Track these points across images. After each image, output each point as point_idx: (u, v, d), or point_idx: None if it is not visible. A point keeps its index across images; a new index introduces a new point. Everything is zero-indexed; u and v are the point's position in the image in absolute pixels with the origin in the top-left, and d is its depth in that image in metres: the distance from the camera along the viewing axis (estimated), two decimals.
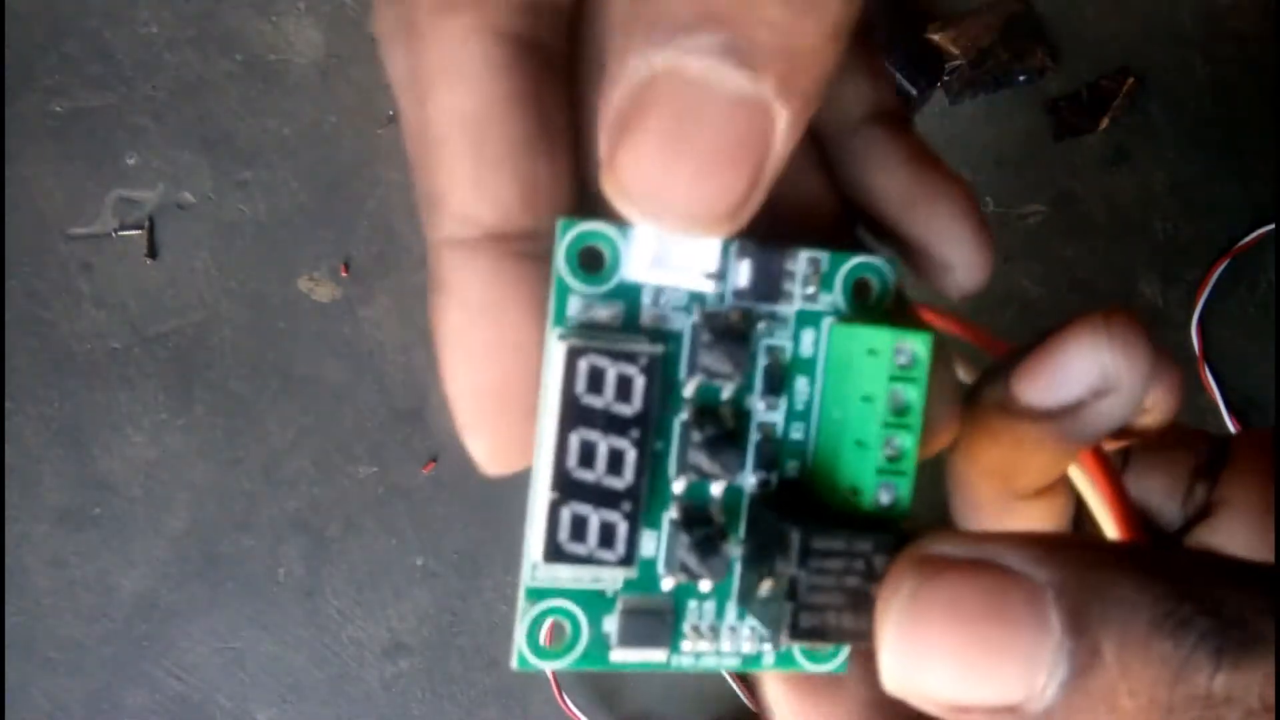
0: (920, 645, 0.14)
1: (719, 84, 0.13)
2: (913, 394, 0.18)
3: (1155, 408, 0.19)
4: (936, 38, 0.68)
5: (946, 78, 0.68)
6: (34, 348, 0.65)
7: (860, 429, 0.18)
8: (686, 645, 0.20)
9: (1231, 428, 0.67)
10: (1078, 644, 0.13)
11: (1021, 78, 0.68)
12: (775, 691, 0.20)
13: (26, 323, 0.65)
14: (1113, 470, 0.20)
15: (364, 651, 0.65)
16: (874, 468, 0.18)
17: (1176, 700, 0.12)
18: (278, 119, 0.68)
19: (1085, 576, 0.13)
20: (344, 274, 0.67)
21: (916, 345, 0.18)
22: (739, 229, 0.15)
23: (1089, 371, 0.18)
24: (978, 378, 0.20)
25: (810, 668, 0.20)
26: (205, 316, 0.67)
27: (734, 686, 0.65)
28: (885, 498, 0.18)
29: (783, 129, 0.13)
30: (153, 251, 0.67)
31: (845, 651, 0.20)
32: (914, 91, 0.65)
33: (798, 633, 0.17)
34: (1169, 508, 0.22)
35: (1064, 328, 0.18)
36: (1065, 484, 0.21)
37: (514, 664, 0.19)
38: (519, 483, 0.67)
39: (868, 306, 0.19)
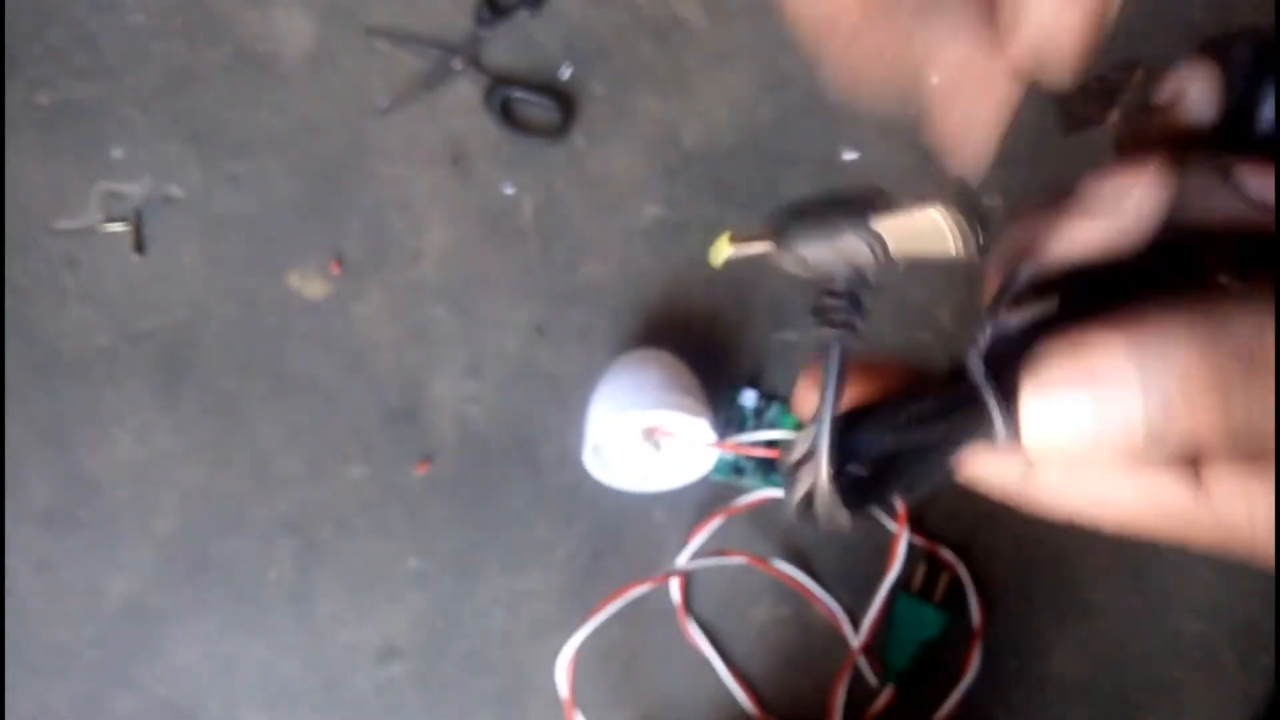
0: (1050, 413, 0.19)
1: None
2: None
3: None
4: None
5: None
6: (18, 345, 0.64)
7: None
8: None
9: None
10: (1150, 386, 0.18)
11: None
12: None
13: (10, 319, 0.64)
14: None
15: (356, 656, 0.64)
16: None
17: (1220, 357, 0.18)
18: (268, 110, 0.67)
19: (1147, 344, 0.19)
20: (335, 270, 0.66)
21: None
22: None
23: None
24: None
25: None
26: (193, 313, 0.65)
27: (734, 692, 0.64)
28: None
29: None
30: (139, 246, 0.65)
31: None
32: None
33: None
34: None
35: None
36: None
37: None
38: (515, 484, 0.65)
39: None
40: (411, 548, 0.64)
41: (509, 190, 0.67)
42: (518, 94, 0.67)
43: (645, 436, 0.63)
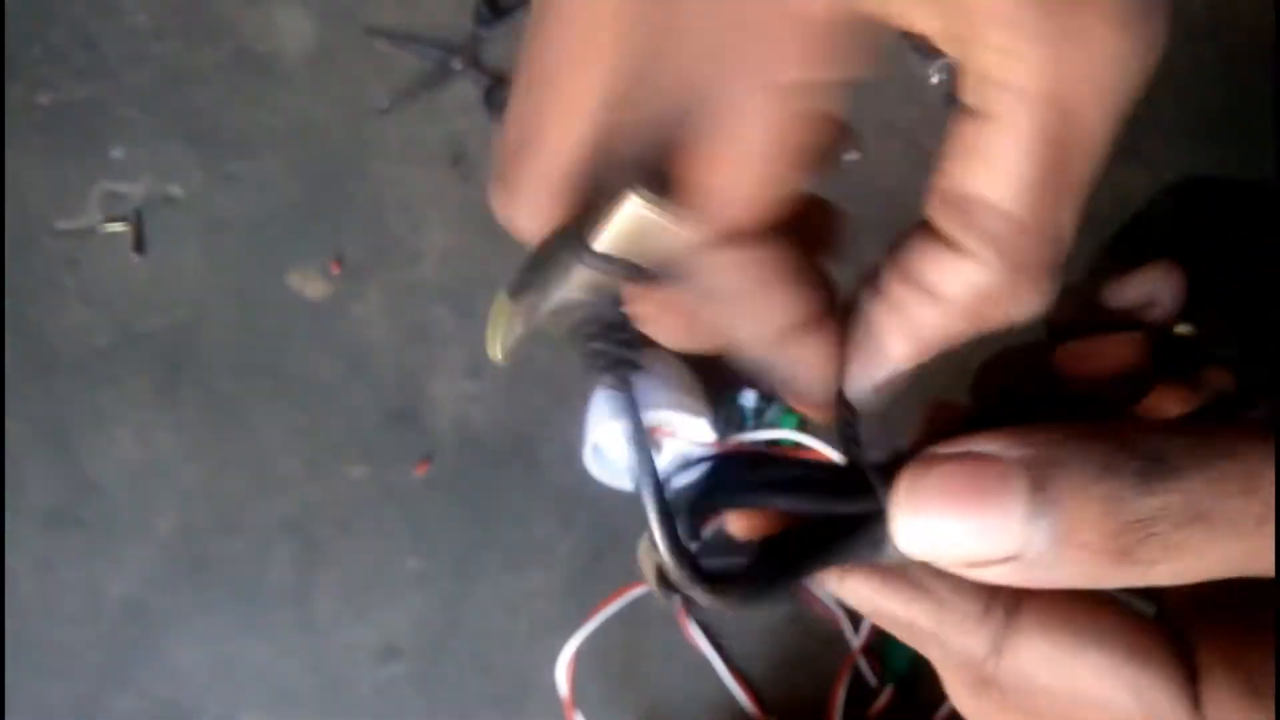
0: (921, 518, 0.18)
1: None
2: None
3: None
4: None
5: (943, 75, 0.67)
6: (18, 345, 0.64)
7: None
8: None
9: None
10: (1040, 500, 0.17)
11: None
12: None
13: (11, 320, 0.64)
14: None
15: (356, 656, 0.64)
16: None
17: (1121, 526, 0.16)
18: (268, 110, 0.67)
19: (1043, 450, 0.17)
20: (335, 270, 0.66)
21: None
22: None
23: None
24: None
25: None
26: (194, 314, 0.65)
27: (734, 692, 0.64)
28: None
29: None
30: (140, 246, 0.65)
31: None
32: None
33: None
34: None
35: None
36: None
37: None
38: (514, 483, 0.65)
39: None
40: (411, 548, 0.64)
41: None
42: None
43: None
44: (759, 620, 0.65)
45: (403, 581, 0.64)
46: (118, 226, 0.65)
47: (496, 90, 0.67)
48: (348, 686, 0.63)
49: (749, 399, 0.65)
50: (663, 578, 0.19)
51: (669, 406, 0.58)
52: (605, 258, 0.19)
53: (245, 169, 0.66)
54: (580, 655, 0.61)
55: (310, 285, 0.66)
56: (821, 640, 0.64)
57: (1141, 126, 0.68)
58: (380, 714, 0.63)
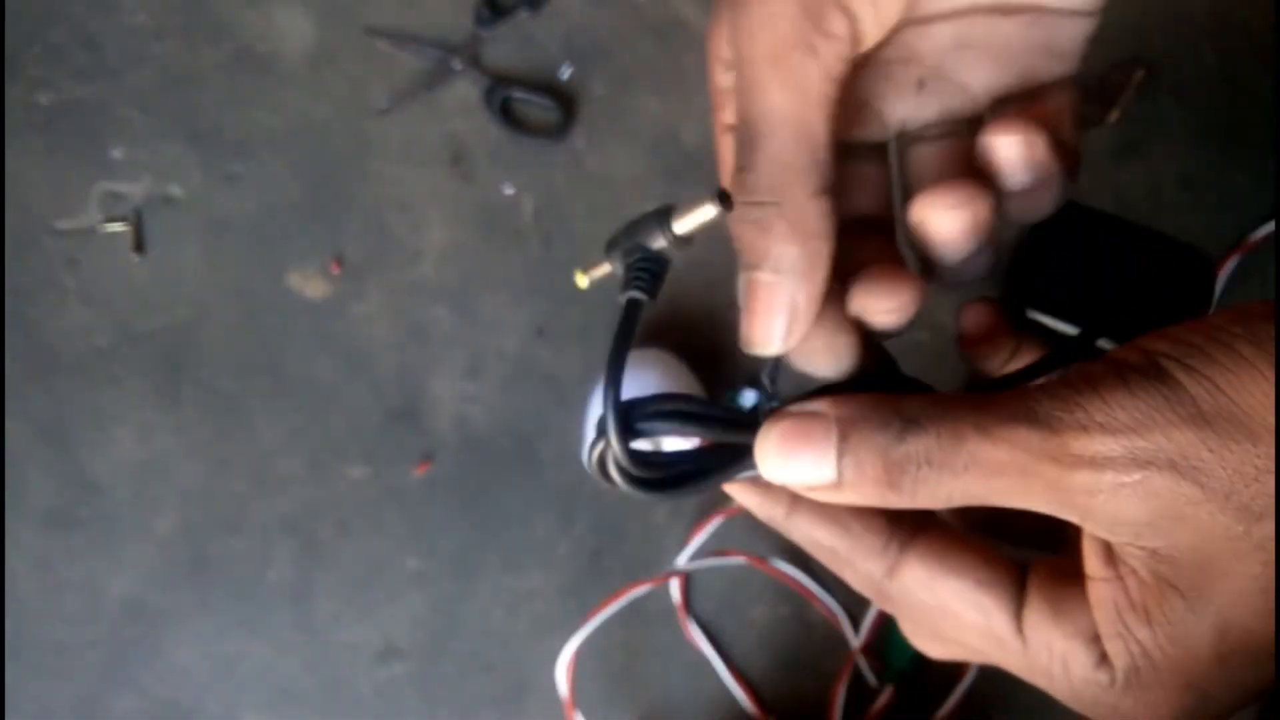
0: (771, 456, 0.25)
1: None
2: None
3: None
4: None
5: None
6: (18, 345, 0.64)
7: None
8: None
9: None
10: (844, 445, 0.24)
11: None
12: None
13: (10, 319, 0.64)
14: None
15: (356, 656, 0.64)
16: None
17: (890, 462, 0.23)
18: (267, 111, 0.67)
19: (849, 411, 0.24)
20: (335, 270, 0.66)
21: None
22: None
23: None
24: None
25: None
26: (194, 314, 0.65)
27: (734, 692, 0.64)
28: None
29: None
30: (140, 246, 0.65)
31: None
32: None
33: None
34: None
35: None
36: None
37: None
38: (515, 484, 0.65)
39: None
40: (411, 548, 0.64)
41: (509, 190, 0.67)
42: (518, 94, 0.67)
43: None
44: (759, 620, 0.65)
45: (403, 581, 0.64)
46: (118, 226, 0.65)
47: (496, 90, 0.67)
48: (348, 686, 0.63)
49: (749, 399, 0.65)
50: (603, 467, 0.28)
51: None
52: (678, 237, 0.28)
53: (245, 169, 0.66)
54: (580, 655, 0.61)
55: (310, 285, 0.66)
56: (821, 640, 0.64)
57: (1141, 126, 0.68)
58: (380, 714, 0.63)
